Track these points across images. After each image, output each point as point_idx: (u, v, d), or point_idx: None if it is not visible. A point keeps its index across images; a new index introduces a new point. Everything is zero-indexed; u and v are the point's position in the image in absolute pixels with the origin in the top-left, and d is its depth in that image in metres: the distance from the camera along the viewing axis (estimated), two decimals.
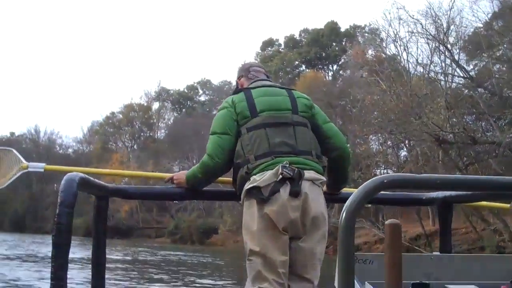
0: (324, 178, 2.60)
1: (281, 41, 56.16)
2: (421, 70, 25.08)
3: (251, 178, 2.50)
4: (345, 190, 2.87)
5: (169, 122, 65.26)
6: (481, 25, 23.45)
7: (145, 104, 64.38)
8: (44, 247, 24.88)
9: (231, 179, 2.69)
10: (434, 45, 23.20)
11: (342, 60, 50.19)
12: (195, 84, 67.40)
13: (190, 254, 28.03)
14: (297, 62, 52.50)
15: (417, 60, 25.23)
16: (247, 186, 2.51)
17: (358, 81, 31.18)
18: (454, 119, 20.98)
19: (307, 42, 52.49)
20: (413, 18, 23.22)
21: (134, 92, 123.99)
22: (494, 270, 1.74)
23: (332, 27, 51.20)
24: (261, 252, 2.46)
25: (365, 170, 23.90)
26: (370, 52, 31.17)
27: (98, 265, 2.55)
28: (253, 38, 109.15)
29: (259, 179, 2.47)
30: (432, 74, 24.28)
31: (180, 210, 49.27)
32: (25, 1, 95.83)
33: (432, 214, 25.60)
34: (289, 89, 2.85)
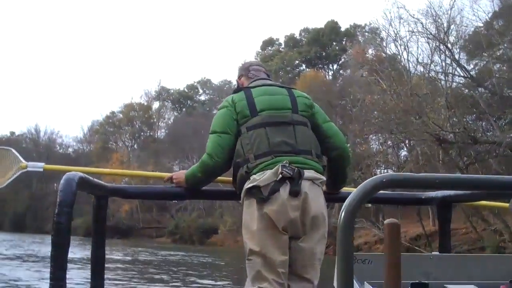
0: (324, 178, 2.60)
1: (281, 40, 56.27)
2: (422, 70, 25.09)
3: (251, 178, 2.49)
4: (345, 189, 2.87)
5: (169, 122, 65.31)
6: (482, 25, 23.46)
7: (145, 103, 64.39)
8: (44, 247, 24.87)
9: (231, 178, 2.69)
10: (434, 44, 23.19)
11: (342, 60, 50.19)
12: (195, 84, 67.41)
13: (190, 254, 28.03)
14: (297, 62, 52.51)
15: (417, 59, 25.23)
16: (247, 185, 2.50)
17: (358, 81, 31.17)
18: (454, 119, 20.98)
19: (307, 42, 52.50)
20: (413, 17, 23.23)
21: (134, 91, 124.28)
22: (493, 270, 1.73)
23: (333, 26, 51.20)
24: (261, 252, 2.46)
25: (365, 170, 23.89)
26: (370, 51, 31.17)
27: (98, 264, 2.54)
28: (253, 37, 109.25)
29: (259, 178, 2.47)
30: (432, 73, 24.28)
31: (180, 210, 49.25)
32: (25, 1, 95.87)
33: (432, 214, 25.58)
34: (289, 88, 2.85)
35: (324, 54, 51.77)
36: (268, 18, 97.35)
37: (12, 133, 68.18)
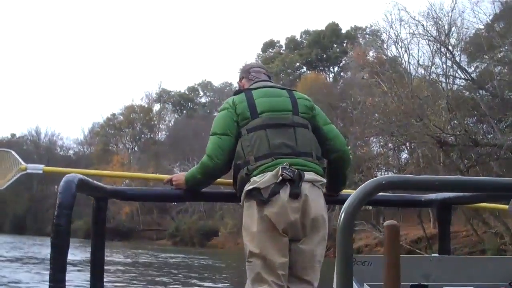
0: (324, 180, 2.59)
1: (282, 42, 56.36)
2: (422, 72, 25.10)
3: (251, 180, 2.49)
4: (345, 191, 2.86)
5: (170, 124, 65.36)
6: (483, 27, 23.45)
7: (146, 105, 64.44)
8: (45, 248, 24.86)
9: (231, 180, 2.69)
10: (435, 46, 23.19)
11: (343, 62, 50.23)
12: (196, 86, 67.48)
13: (191, 256, 28.01)
14: (298, 64, 52.58)
15: (418, 61, 25.25)
16: (247, 187, 2.50)
17: (359, 83, 31.18)
18: (455, 121, 20.98)
19: (308, 44, 52.55)
20: (414, 20, 23.24)
21: (135, 93, 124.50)
22: (492, 272, 1.73)
23: (333, 28, 51.27)
24: (260, 254, 2.46)
25: (366, 172, 23.92)
26: (371, 53, 31.20)
27: (97, 266, 2.55)
28: (254, 39, 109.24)
29: (259, 180, 2.46)
30: (433, 76, 24.29)
31: (181, 212, 49.22)
32: (26, 1, 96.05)
33: (433, 217, 25.50)
34: (290, 90, 2.85)
35: (325, 56, 51.83)
36: (269, 20, 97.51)
37: (13, 135, 68.31)
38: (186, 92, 66.79)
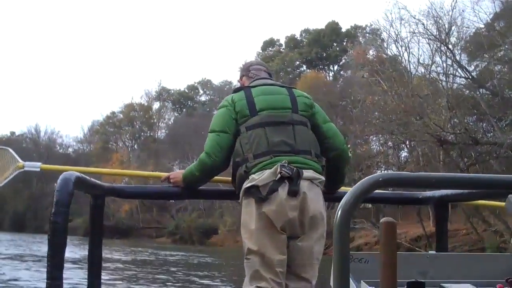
0: (323, 178, 2.59)
1: (282, 41, 56.27)
2: (423, 71, 25.15)
3: (250, 177, 2.49)
4: (343, 189, 2.86)
5: (170, 122, 65.29)
6: (483, 26, 23.44)
7: (146, 103, 64.36)
8: (44, 246, 24.78)
9: (230, 178, 2.69)
10: (435, 45, 23.20)
11: (343, 61, 50.20)
12: (196, 84, 67.40)
13: (190, 254, 28.01)
14: (298, 62, 52.54)
15: (418, 60, 25.28)
16: (246, 185, 2.51)
17: (359, 82, 31.17)
18: (455, 120, 21.00)
19: (308, 42, 52.51)
20: (414, 18, 23.26)
21: (135, 91, 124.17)
22: (490, 269, 1.73)
23: (333, 27, 51.23)
24: (259, 251, 2.46)
25: (365, 170, 23.93)
26: (371, 52, 31.21)
27: (94, 264, 2.55)
28: (254, 38, 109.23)
29: (258, 178, 2.47)
30: (433, 74, 24.33)
31: (180, 210, 49.22)
32: (26, 1, 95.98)
33: (433, 215, 25.54)
34: (289, 87, 2.85)
35: (324, 55, 51.79)
36: (268, 18, 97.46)
37: (12, 133, 68.25)
38: (186, 90, 66.73)
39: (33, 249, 24.47)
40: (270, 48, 56.55)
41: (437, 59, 24.07)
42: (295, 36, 54.81)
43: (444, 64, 23.49)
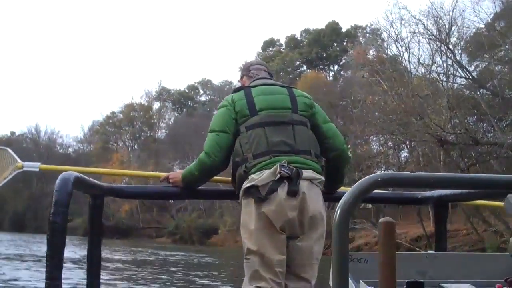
0: (322, 178, 2.59)
1: (282, 41, 56.29)
2: (423, 71, 25.13)
3: (249, 177, 2.49)
4: (342, 189, 2.86)
5: (170, 122, 65.29)
6: (483, 26, 23.46)
7: (146, 103, 64.38)
8: (44, 246, 24.62)
9: (230, 178, 2.69)
10: (436, 45, 23.20)
11: (343, 61, 50.21)
12: (196, 84, 67.42)
13: (190, 254, 28.00)
14: (298, 62, 52.55)
15: (418, 60, 25.26)
16: (245, 185, 2.51)
17: (359, 82, 31.19)
18: (455, 120, 21.01)
19: (308, 42, 52.53)
20: (415, 18, 23.26)
21: (135, 91, 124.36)
22: (489, 269, 1.73)
23: (333, 27, 51.24)
24: (258, 251, 2.46)
25: (366, 170, 23.92)
26: (371, 52, 31.22)
27: (93, 264, 2.55)
28: (254, 38, 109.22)
29: (257, 178, 2.47)
30: (433, 74, 24.32)
31: (180, 210, 49.22)
32: (26, 0, 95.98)
33: (433, 215, 25.53)
34: (289, 87, 2.85)
35: (325, 55, 51.81)
36: (269, 18, 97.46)
37: (13, 133, 68.27)
38: (186, 90, 66.74)
39: (33, 249, 24.46)
40: (270, 48, 56.57)
41: (438, 59, 24.10)
42: (295, 36, 54.85)
43: (445, 64, 23.51)
